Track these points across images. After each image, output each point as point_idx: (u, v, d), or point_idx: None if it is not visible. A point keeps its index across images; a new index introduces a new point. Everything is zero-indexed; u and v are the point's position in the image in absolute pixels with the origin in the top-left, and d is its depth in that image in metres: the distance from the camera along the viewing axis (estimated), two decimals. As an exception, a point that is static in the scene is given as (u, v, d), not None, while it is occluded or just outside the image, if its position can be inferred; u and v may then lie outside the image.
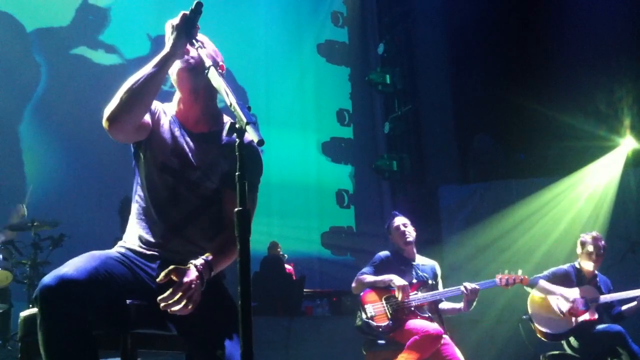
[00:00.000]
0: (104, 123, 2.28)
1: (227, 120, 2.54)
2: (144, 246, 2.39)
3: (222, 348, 2.18)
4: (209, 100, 2.49)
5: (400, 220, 4.90)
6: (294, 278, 8.60)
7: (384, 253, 4.85)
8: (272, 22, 11.11)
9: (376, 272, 4.69)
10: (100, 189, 8.27)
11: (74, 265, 2.11)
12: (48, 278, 2.06)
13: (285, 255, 8.74)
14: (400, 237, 4.82)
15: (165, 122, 2.46)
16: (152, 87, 2.28)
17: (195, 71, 2.38)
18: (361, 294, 4.64)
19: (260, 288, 7.87)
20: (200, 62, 2.29)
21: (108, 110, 2.26)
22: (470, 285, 4.54)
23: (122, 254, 2.35)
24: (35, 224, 6.37)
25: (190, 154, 2.43)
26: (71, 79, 9.08)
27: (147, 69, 2.27)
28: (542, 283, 5.21)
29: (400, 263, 4.76)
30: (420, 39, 10.48)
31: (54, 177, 8.70)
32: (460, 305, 4.63)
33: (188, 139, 2.45)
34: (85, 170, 8.59)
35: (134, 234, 2.43)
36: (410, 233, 4.83)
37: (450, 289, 4.64)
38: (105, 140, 2.34)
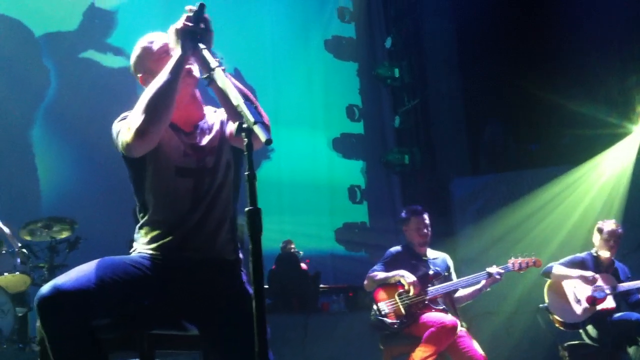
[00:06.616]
0: (132, 138, 2.21)
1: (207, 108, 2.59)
2: (160, 250, 2.37)
3: (240, 346, 2.18)
4: (200, 100, 2.55)
5: (419, 221, 4.82)
6: (309, 275, 8.60)
7: (395, 248, 4.86)
8: (279, 20, 11.09)
9: (387, 269, 4.72)
10: (114, 190, 8.26)
11: (73, 275, 2.13)
12: (45, 288, 2.09)
13: (301, 252, 8.73)
14: (418, 237, 4.80)
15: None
16: (174, 94, 2.27)
17: (196, 77, 2.41)
18: (374, 291, 4.66)
19: (275, 285, 7.88)
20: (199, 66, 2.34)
21: (135, 124, 2.20)
22: (495, 269, 4.59)
23: (138, 257, 2.36)
24: (54, 229, 6.42)
25: (199, 148, 2.44)
26: (81, 83, 9.12)
27: (164, 76, 2.25)
28: (558, 268, 5.18)
29: (412, 257, 4.77)
30: (428, 30, 10.42)
31: (67, 180, 8.74)
32: (479, 285, 4.64)
33: (190, 135, 2.47)
34: (97, 172, 8.61)
35: (149, 239, 2.40)
36: (428, 234, 4.81)
37: (474, 275, 4.66)
38: (117, 141, 2.33)
